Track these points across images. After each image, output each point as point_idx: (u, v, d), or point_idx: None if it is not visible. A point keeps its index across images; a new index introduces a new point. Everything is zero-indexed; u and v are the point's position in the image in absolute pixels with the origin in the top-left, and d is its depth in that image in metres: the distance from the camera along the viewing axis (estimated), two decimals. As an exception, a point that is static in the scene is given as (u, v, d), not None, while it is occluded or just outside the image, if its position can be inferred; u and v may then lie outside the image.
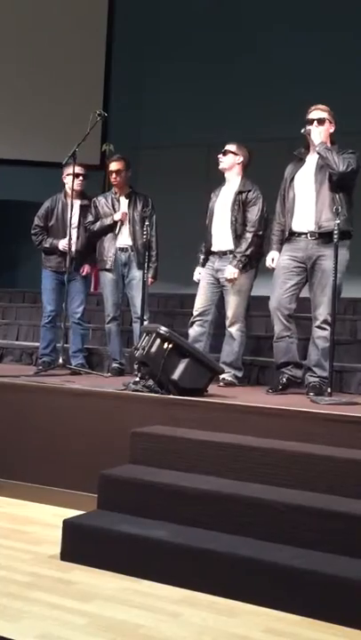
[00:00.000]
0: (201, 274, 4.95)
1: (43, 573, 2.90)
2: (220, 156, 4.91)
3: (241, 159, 4.91)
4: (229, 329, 4.80)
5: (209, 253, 4.93)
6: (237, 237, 4.78)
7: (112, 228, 5.17)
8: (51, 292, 5.43)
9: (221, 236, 4.85)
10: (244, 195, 4.82)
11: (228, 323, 4.80)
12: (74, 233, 5.24)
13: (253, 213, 4.78)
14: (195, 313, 4.91)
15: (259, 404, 3.69)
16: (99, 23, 8.93)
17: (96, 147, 8.02)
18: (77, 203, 5.31)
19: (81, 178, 5.32)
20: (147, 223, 4.90)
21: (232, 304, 4.78)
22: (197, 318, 4.88)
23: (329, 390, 4.01)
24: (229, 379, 4.72)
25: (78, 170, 5.28)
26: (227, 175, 4.93)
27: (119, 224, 5.15)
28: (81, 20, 8.79)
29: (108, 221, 5.16)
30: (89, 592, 2.73)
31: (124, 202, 5.19)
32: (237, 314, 4.78)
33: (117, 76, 8.94)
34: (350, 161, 4.24)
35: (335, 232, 4.01)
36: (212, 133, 8.06)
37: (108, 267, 5.17)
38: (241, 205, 4.79)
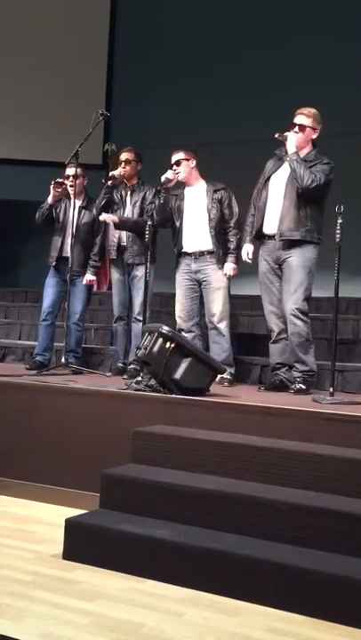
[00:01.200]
0: (177, 279, 4.94)
1: (45, 573, 2.90)
2: (175, 167, 4.88)
3: (194, 162, 4.93)
4: (218, 325, 4.78)
5: (180, 255, 4.92)
6: (216, 235, 4.80)
7: (110, 192, 5.14)
8: (48, 289, 5.42)
9: (197, 236, 4.85)
10: (218, 193, 4.85)
11: (215, 320, 4.79)
12: (72, 233, 5.21)
13: (233, 210, 4.87)
14: (178, 320, 4.90)
15: (261, 404, 3.69)
16: (101, 24, 8.94)
17: (98, 147, 8.04)
18: (77, 203, 5.29)
19: (71, 179, 5.27)
20: (149, 213, 4.83)
21: (217, 301, 4.79)
22: (183, 325, 4.87)
23: (331, 389, 4.02)
24: (229, 377, 4.72)
25: (68, 171, 5.27)
26: (188, 182, 4.93)
27: (121, 211, 5.15)
28: (83, 21, 8.80)
29: (109, 183, 5.14)
30: (91, 591, 2.73)
31: (128, 192, 5.18)
32: (224, 310, 4.80)
33: (119, 77, 8.96)
34: (318, 175, 4.27)
35: (337, 236, 4.04)
36: (213, 134, 8.08)
37: (112, 256, 5.20)
38: (218, 204, 4.83)
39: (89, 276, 5.34)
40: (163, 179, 4.84)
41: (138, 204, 5.12)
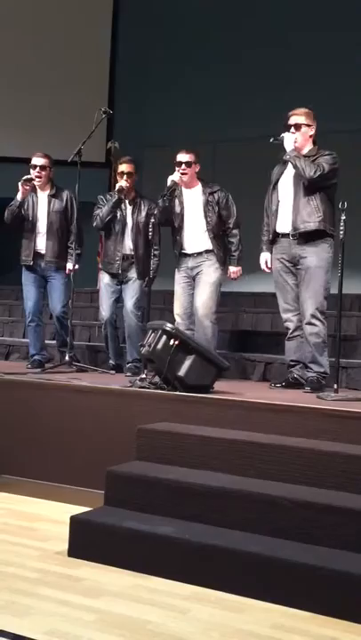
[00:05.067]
0: (175, 278, 4.93)
1: (50, 570, 2.90)
2: (184, 167, 4.80)
3: (198, 166, 4.90)
4: (201, 318, 4.74)
5: (180, 255, 4.90)
6: (215, 238, 4.80)
7: (118, 207, 5.05)
8: (28, 288, 5.33)
9: (196, 238, 4.84)
10: (215, 195, 4.84)
11: (199, 313, 4.76)
12: (44, 224, 5.20)
13: (230, 210, 4.85)
14: (177, 318, 4.88)
15: (266, 401, 3.69)
16: (103, 22, 8.94)
17: (101, 144, 8.04)
18: (45, 194, 5.25)
19: (38, 169, 5.20)
20: (150, 230, 4.76)
21: (203, 295, 4.76)
22: (182, 323, 4.84)
23: (335, 386, 4.02)
24: None
25: (43, 162, 5.20)
26: (187, 184, 4.87)
27: (124, 222, 5.08)
28: (86, 19, 8.80)
29: (114, 198, 5.01)
30: (97, 588, 2.74)
31: (128, 207, 5.07)
32: (208, 305, 4.75)
33: (122, 75, 8.96)
34: (322, 165, 4.29)
35: (341, 232, 4.03)
36: (216, 131, 8.08)
37: (114, 271, 5.08)
38: (215, 206, 4.82)
39: (70, 265, 5.20)
40: (170, 182, 4.79)
41: (142, 220, 5.02)
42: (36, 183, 5.21)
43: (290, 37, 8.06)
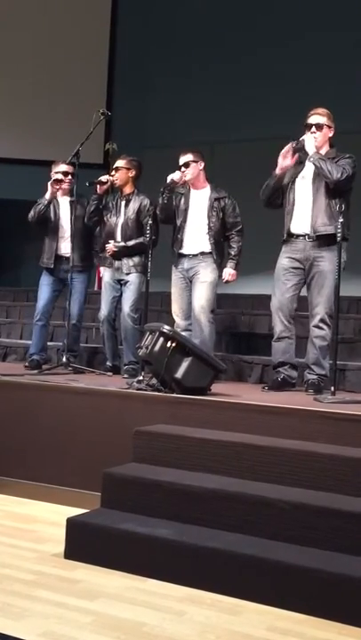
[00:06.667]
0: (172, 279, 4.94)
1: (47, 572, 2.90)
2: (183, 169, 4.82)
3: (202, 164, 4.91)
4: (198, 318, 4.74)
5: (178, 256, 4.91)
6: (215, 243, 4.80)
7: (98, 200, 5.11)
8: (43, 287, 5.37)
9: (196, 240, 4.85)
10: (221, 201, 4.85)
11: (196, 312, 4.76)
12: (68, 230, 5.24)
13: (236, 220, 4.87)
14: (176, 319, 4.89)
15: (262, 403, 3.69)
16: (102, 23, 8.95)
17: (99, 146, 8.04)
18: (67, 200, 5.30)
19: (70, 177, 5.27)
20: (147, 230, 4.77)
21: (200, 294, 4.76)
22: (181, 324, 4.85)
23: (332, 389, 4.02)
24: None
25: (67, 168, 5.26)
26: (194, 184, 4.89)
27: (115, 219, 5.11)
28: (84, 19, 8.81)
29: (98, 191, 5.09)
30: (93, 590, 2.74)
31: (122, 202, 5.13)
32: (206, 304, 4.75)
33: (121, 76, 8.97)
34: (346, 167, 4.29)
35: (338, 235, 4.03)
36: (215, 132, 8.09)
37: (107, 264, 5.19)
38: (219, 212, 4.83)
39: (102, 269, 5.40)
40: (168, 180, 4.81)
41: (133, 216, 5.06)
42: (65, 187, 5.27)
43: (289, 38, 8.08)
